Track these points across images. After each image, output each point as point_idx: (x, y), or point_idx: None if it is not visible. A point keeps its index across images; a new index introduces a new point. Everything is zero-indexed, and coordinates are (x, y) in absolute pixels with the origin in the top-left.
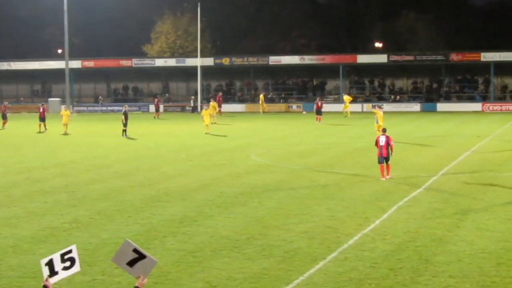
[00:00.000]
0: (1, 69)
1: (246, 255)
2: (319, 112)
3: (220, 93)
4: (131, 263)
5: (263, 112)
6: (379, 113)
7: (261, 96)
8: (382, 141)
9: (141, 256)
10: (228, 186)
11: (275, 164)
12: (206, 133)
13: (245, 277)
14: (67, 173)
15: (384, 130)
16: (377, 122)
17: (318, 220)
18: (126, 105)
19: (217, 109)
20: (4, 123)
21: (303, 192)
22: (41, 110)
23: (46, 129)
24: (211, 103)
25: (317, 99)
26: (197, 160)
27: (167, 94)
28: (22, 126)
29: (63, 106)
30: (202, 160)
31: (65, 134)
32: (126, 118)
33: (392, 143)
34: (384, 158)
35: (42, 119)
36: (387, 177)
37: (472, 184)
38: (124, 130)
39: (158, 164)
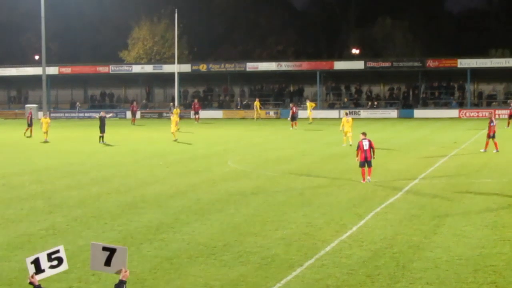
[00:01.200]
0: None
1: (223, 262)
2: (294, 117)
3: (196, 100)
4: (108, 262)
5: (257, 119)
6: (345, 119)
7: (257, 102)
8: (366, 145)
9: (112, 251)
10: (205, 192)
11: (252, 170)
12: (174, 140)
13: (222, 284)
14: (44, 180)
15: (364, 134)
16: (342, 129)
17: (295, 227)
18: (103, 111)
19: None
20: None
21: (280, 199)
22: (26, 114)
23: (27, 135)
24: (174, 109)
25: (291, 105)
26: (174, 166)
27: (144, 101)
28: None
29: (41, 113)
30: (179, 167)
31: (46, 142)
32: (102, 124)
33: (373, 146)
34: (366, 162)
35: (30, 123)
36: (368, 178)
37: (449, 191)
38: (101, 137)
39: (135, 170)
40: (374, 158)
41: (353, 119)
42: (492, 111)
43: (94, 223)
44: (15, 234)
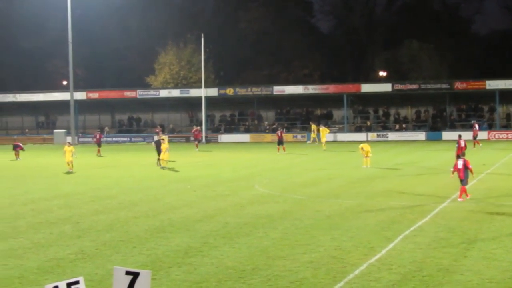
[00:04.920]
0: (7, 101)
1: (251, 285)
2: (280, 142)
3: (196, 127)
4: (131, 286)
5: (313, 142)
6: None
7: (314, 126)
8: (460, 164)
9: (135, 275)
10: (233, 216)
11: (279, 194)
12: (162, 167)
13: None
14: (72, 204)
15: (463, 154)
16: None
17: (324, 250)
18: (157, 135)
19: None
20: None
21: (307, 222)
22: (97, 136)
23: (99, 155)
24: (162, 136)
25: (279, 128)
26: (201, 190)
27: (171, 125)
28: (28, 157)
29: (68, 140)
30: (206, 191)
31: (69, 172)
32: (158, 147)
33: (470, 166)
34: (461, 181)
35: (99, 144)
36: (467, 198)
37: (479, 213)
38: (159, 160)
39: (162, 194)
40: (473, 175)
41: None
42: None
43: (123, 247)
44: (45, 258)
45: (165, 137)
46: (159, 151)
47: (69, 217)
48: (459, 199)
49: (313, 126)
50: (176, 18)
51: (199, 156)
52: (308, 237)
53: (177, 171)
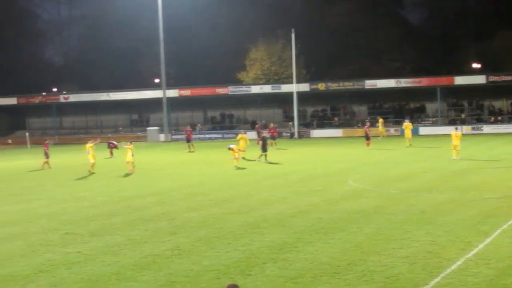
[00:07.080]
0: (101, 100)
1: (347, 281)
2: (367, 137)
3: (272, 124)
4: None
5: (382, 136)
6: (454, 133)
7: (381, 120)
8: None
9: None
10: (326, 212)
11: (373, 189)
12: (234, 166)
13: None
14: (166, 201)
15: None
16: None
17: (419, 245)
18: (266, 132)
19: (248, 142)
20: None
21: (401, 217)
22: (188, 133)
23: (193, 150)
24: (242, 135)
25: (366, 123)
26: (294, 186)
27: (263, 121)
28: (122, 155)
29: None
30: (299, 186)
31: (128, 174)
32: (264, 144)
33: None
34: None
35: (188, 139)
36: None
37: None
38: (265, 155)
39: (255, 191)
40: None
41: (462, 134)
42: None
43: (218, 243)
44: (141, 255)
45: (243, 135)
46: (264, 148)
47: (163, 214)
48: None
49: (380, 120)
50: (265, 14)
51: (275, 154)
52: (402, 232)
53: (270, 167)
